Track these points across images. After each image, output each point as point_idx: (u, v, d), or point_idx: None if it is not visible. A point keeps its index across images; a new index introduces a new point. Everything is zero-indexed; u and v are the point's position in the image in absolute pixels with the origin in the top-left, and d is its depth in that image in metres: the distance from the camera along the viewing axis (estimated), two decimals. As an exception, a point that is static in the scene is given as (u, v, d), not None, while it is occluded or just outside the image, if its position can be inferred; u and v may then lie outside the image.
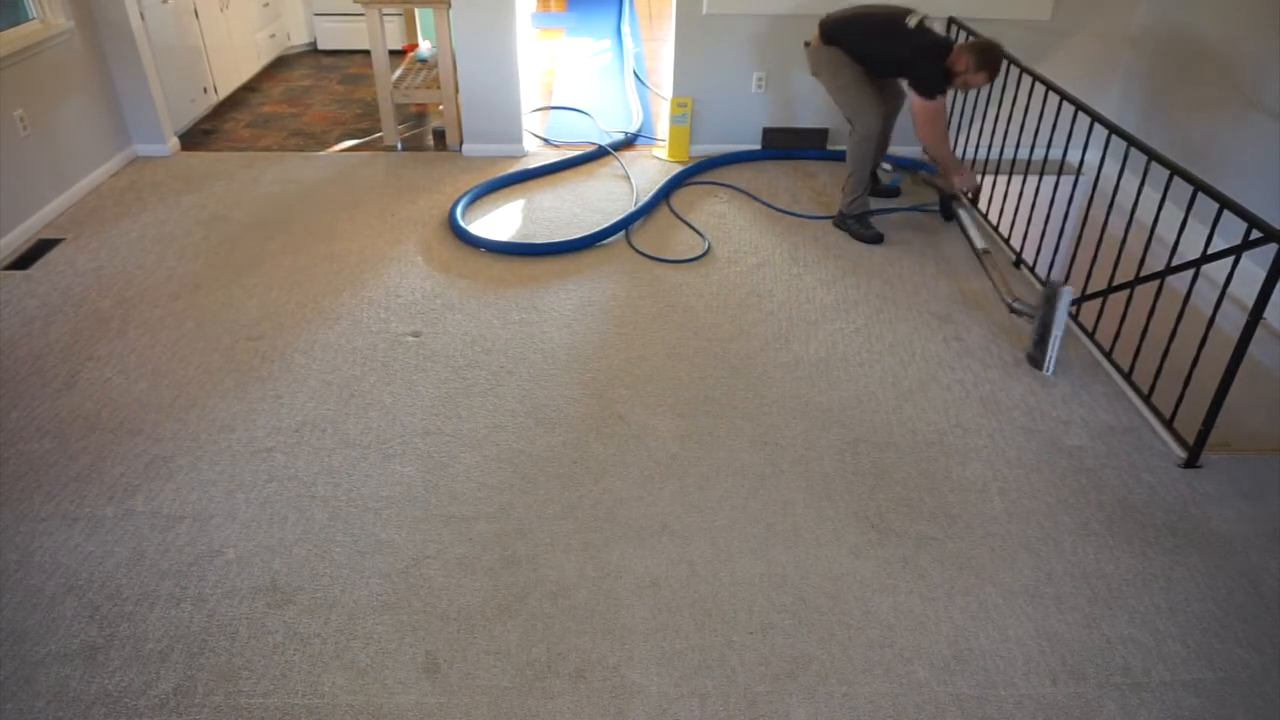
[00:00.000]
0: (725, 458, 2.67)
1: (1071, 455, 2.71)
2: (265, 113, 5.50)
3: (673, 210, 4.22)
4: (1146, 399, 2.91)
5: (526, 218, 4.15)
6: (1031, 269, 3.71)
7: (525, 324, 3.32)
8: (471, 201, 4.24)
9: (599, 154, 4.85)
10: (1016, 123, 3.92)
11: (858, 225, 3.95)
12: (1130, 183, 3.15)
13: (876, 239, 3.92)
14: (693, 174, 4.59)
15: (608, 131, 5.19)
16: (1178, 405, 2.77)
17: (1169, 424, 2.80)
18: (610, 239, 3.95)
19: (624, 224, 3.99)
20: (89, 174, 4.34)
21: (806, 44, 3.90)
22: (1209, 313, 2.66)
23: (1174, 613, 2.21)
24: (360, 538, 2.37)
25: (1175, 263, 2.82)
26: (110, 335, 3.21)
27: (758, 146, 4.85)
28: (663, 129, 5.17)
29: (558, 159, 4.76)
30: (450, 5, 4.49)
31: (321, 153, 4.88)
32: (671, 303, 3.46)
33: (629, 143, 5.07)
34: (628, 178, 4.58)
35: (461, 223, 3.97)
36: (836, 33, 3.81)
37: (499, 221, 4.10)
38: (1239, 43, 3.90)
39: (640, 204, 4.14)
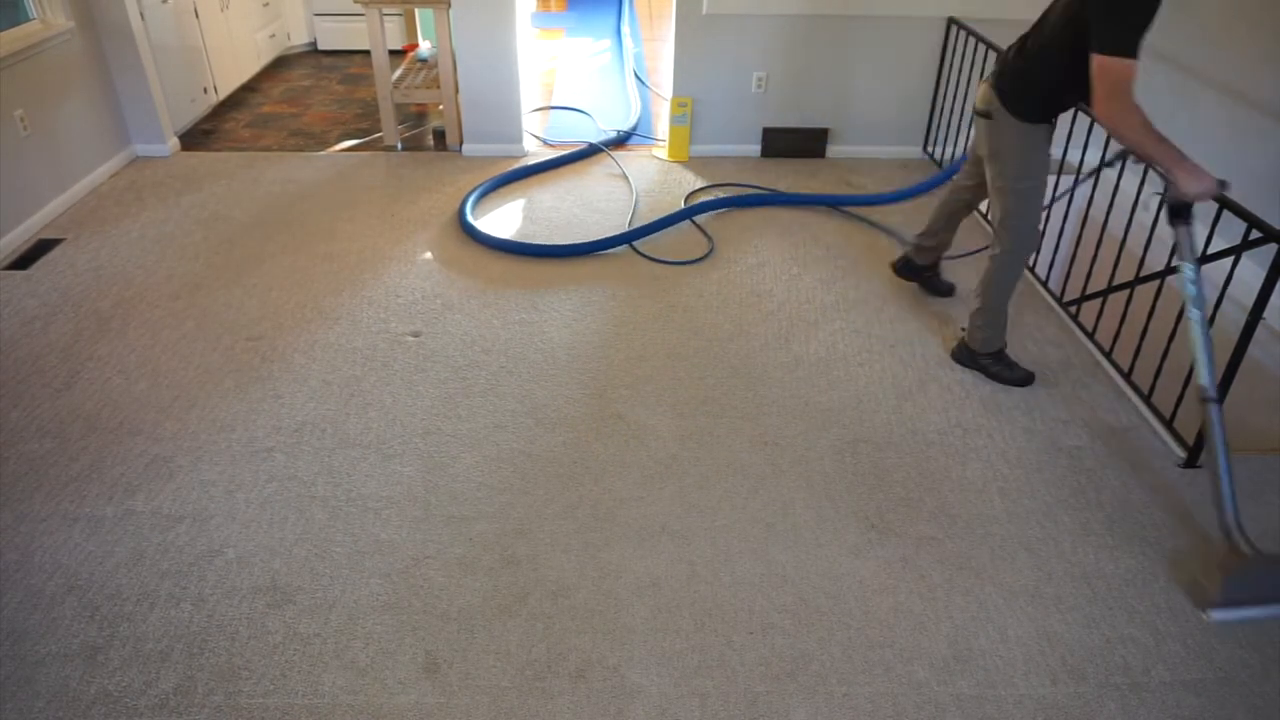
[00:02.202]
0: (725, 458, 2.67)
1: (1071, 455, 2.71)
2: (265, 113, 5.50)
3: (691, 219, 4.22)
4: (1146, 399, 2.91)
5: (527, 218, 4.15)
6: (1031, 269, 3.71)
7: (525, 324, 3.32)
8: (479, 200, 4.23)
9: (590, 151, 4.86)
10: (1016, 123, 3.92)
11: (997, 365, 3.02)
12: (1130, 183, 3.14)
13: (1027, 379, 3.00)
14: (719, 206, 4.23)
15: (605, 130, 5.20)
16: (1178, 405, 2.77)
17: (1169, 424, 2.80)
18: (615, 248, 3.95)
19: (643, 232, 3.91)
20: (89, 174, 4.34)
21: (978, 113, 2.82)
22: (1209, 313, 2.66)
23: (1174, 613, 2.21)
24: (360, 538, 2.37)
25: (1175, 263, 2.81)
26: (110, 335, 3.21)
27: (757, 148, 4.84)
28: (663, 129, 5.17)
29: (552, 156, 4.77)
30: (450, 5, 4.50)
31: (321, 153, 4.88)
32: (671, 303, 3.46)
33: (622, 140, 5.07)
34: (625, 177, 4.58)
35: (475, 223, 3.95)
36: (1030, 72, 2.63)
37: (499, 221, 4.10)
38: (1239, 43, 3.90)
39: (665, 216, 4.01)
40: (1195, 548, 2.40)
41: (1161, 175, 2.48)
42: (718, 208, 4.21)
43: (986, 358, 3.02)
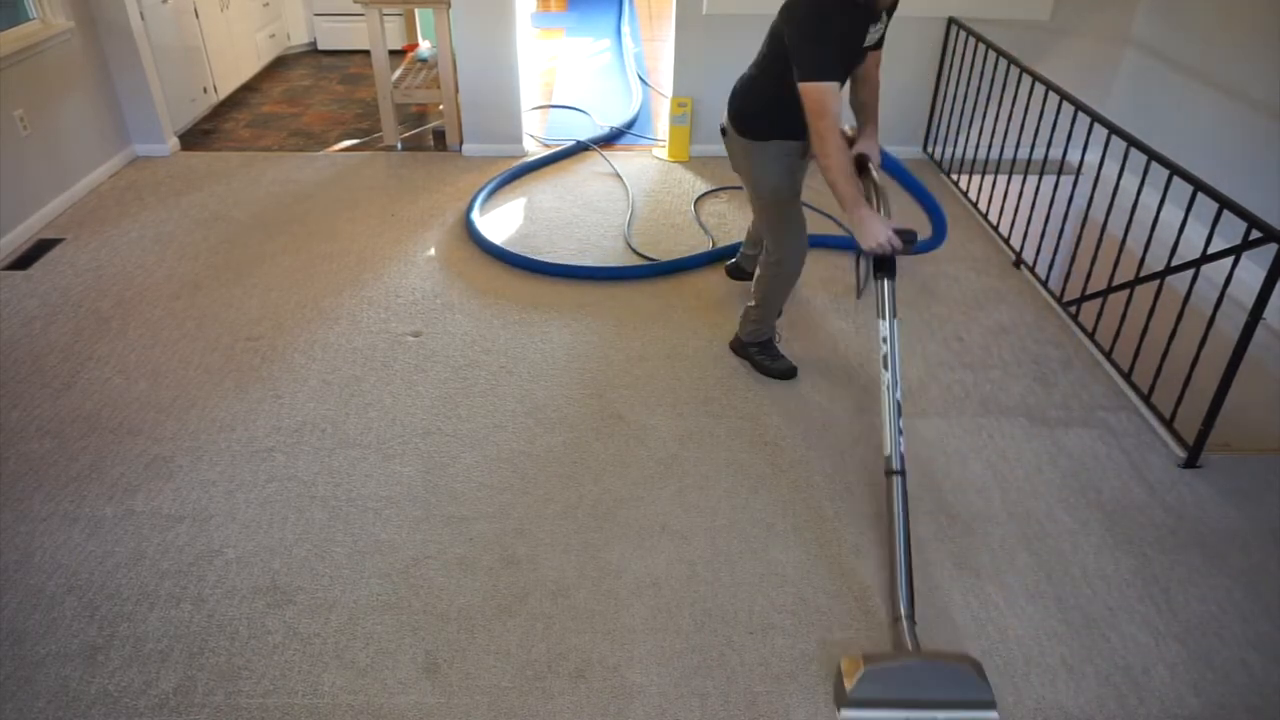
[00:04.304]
0: (725, 458, 2.67)
1: (1071, 455, 2.71)
2: (265, 113, 5.50)
3: (697, 220, 4.23)
4: (1146, 399, 2.91)
5: (528, 218, 4.14)
6: (1031, 269, 3.71)
7: (525, 323, 3.32)
8: (483, 204, 4.22)
9: (578, 148, 4.87)
10: (1016, 123, 3.92)
11: (762, 354, 3.04)
12: (1130, 183, 3.15)
13: (789, 373, 3.00)
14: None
15: (601, 127, 5.21)
16: (1178, 405, 2.77)
17: (1169, 424, 2.80)
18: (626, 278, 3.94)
19: (689, 263, 3.69)
20: (89, 174, 4.34)
21: (721, 130, 2.81)
22: (1209, 313, 2.66)
23: (1174, 613, 2.21)
24: (360, 538, 2.37)
25: (1175, 263, 2.82)
26: (110, 335, 3.20)
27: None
28: (663, 129, 5.17)
29: (544, 154, 4.78)
30: (450, 5, 4.50)
31: (321, 153, 4.88)
32: (671, 302, 3.46)
33: (618, 135, 5.08)
34: (618, 175, 4.58)
35: (485, 235, 3.87)
36: (758, 87, 2.64)
37: (499, 222, 4.10)
38: (1239, 43, 3.90)
39: (710, 250, 3.78)
40: (1196, 547, 2.40)
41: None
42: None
43: (753, 347, 3.05)
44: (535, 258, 3.71)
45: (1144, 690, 2.02)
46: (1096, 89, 4.64)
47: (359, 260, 3.74)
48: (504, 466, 2.63)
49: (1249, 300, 2.47)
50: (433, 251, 3.82)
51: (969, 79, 4.29)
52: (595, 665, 2.05)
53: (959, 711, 1.92)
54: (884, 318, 2.36)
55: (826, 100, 2.31)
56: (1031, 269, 3.71)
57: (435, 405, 2.87)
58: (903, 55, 4.64)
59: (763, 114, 2.63)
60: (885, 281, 2.36)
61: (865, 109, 2.75)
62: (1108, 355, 3.14)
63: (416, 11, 6.04)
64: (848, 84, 2.64)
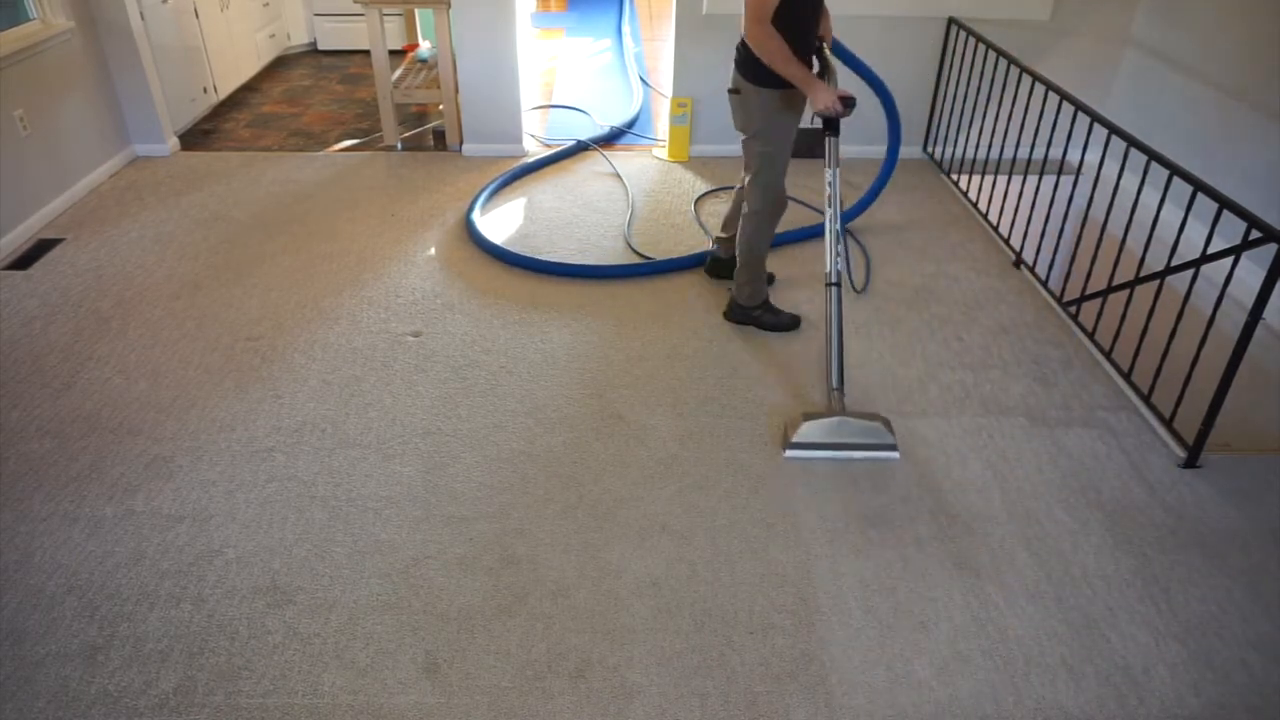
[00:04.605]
0: (725, 458, 2.67)
1: (1071, 455, 2.71)
2: (265, 113, 5.50)
3: (697, 220, 4.23)
4: (1146, 399, 2.91)
5: (528, 218, 4.14)
6: (1031, 269, 3.71)
7: (525, 323, 3.32)
8: (484, 205, 4.22)
9: (578, 148, 4.87)
10: (1016, 122, 3.92)
11: (766, 314, 3.28)
12: (1130, 183, 3.15)
13: (794, 322, 3.29)
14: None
15: (601, 126, 5.21)
16: (1178, 405, 2.77)
17: (1169, 424, 2.80)
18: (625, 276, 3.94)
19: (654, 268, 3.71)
20: (89, 174, 4.34)
21: (730, 92, 3.03)
22: (1209, 313, 2.66)
23: (1174, 613, 2.21)
24: (360, 538, 2.37)
25: (1175, 263, 2.82)
26: (110, 335, 3.20)
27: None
28: (663, 129, 5.17)
29: (544, 154, 4.78)
30: (450, 5, 4.49)
31: (321, 153, 4.88)
32: (671, 301, 3.46)
33: (618, 135, 5.07)
34: (618, 175, 4.58)
35: (484, 235, 3.87)
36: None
37: (500, 223, 4.10)
38: (1239, 43, 3.90)
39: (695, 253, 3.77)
40: (1196, 547, 2.40)
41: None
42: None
43: (756, 309, 3.28)
44: (534, 256, 3.71)
45: (1144, 690, 2.02)
46: (1096, 89, 4.64)
47: (359, 260, 3.74)
48: (504, 466, 2.63)
49: (1249, 300, 2.47)
50: (433, 251, 3.82)
51: (969, 79, 4.29)
52: (595, 665, 2.05)
53: (871, 451, 2.67)
54: (829, 166, 2.90)
55: (767, 6, 2.69)
56: (1031, 269, 3.71)
57: (435, 405, 2.87)
58: (903, 55, 4.65)
59: (762, 62, 2.83)
60: (832, 139, 2.90)
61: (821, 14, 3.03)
62: (1108, 355, 3.14)
63: (416, 11, 6.04)
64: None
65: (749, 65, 2.89)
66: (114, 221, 4.04)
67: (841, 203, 2.95)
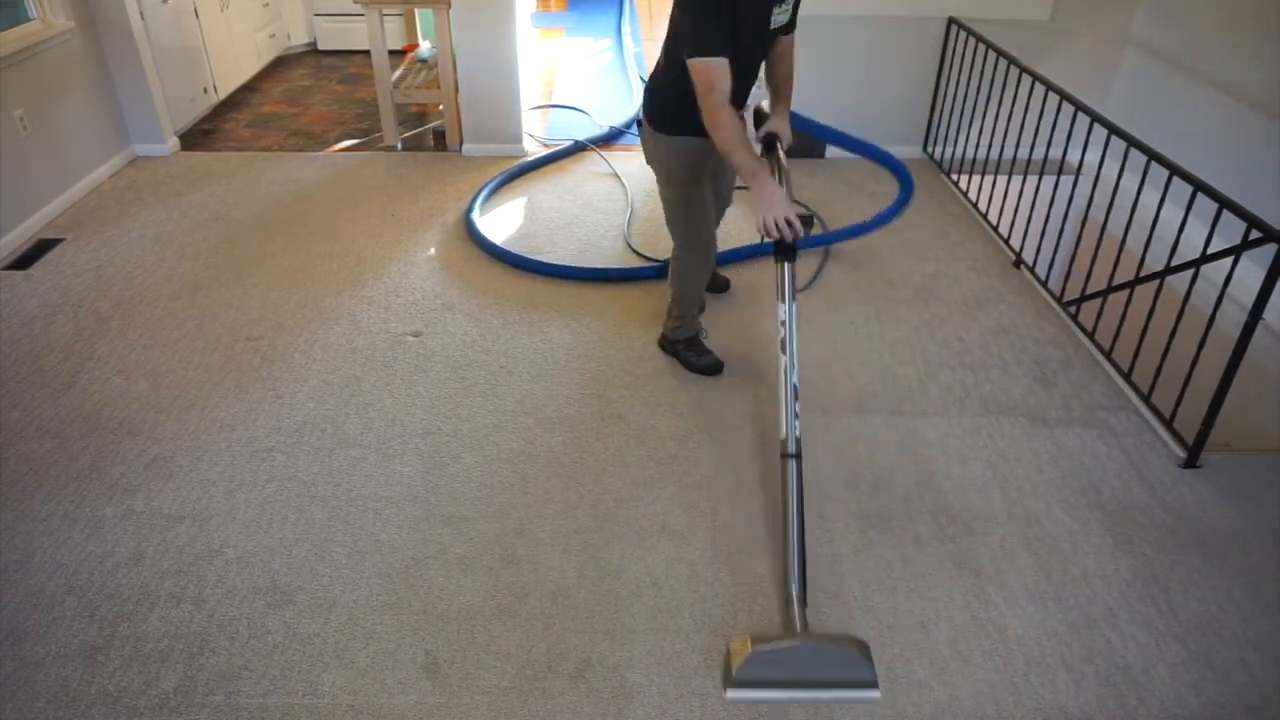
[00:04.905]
0: (725, 457, 2.67)
1: (1071, 455, 2.71)
2: (265, 113, 5.50)
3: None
4: (1146, 399, 2.91)
5: (528, 218, 4.14)
6: (1031, 269, 3.71)
7: (525, 323, 3.32)
8: (484, 205, 4.21)
9: (576, 148, 4.88)
10: (1016, 123, 3.92)
11: (688, 351, 3.05)
12: (1130, 183, 3.14)
13: (715, 368, 3.00)
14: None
15: (601, 126, 5.21)
16: (1178, 405, 2.77)
17: (1169, 424, 2.80)
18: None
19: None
20: (89, 174, 4.34)
21: (638, 122, 2.79)
22: (1209, 313, 2.66)
23: (1174, 613, 2.21)
24: (360, 538, 2.37)
25: (1175, 263, 2.82)
26: (110, 335, 3.20)
27: (756, 146, 4.83)
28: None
29: (542, 154, 4.79)
30: (450, 5, 4.50)
31: (321, 153, 4.88)
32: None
33: (612, 138, 5.07)
34: (617, 176, 4.58)
35: (484, 234, 3.86)
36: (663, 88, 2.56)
37: (500, 223, 4.10)
38: (1239, 43, 3.90)
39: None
40: (1196, 547, 2.40)
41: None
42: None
43: (679, 343, 3.06)
44: (532, 257, 3.71)
45: (1144, 690, 2.02)
46: (1096, 89, 4.64)
47: (359, 260, 3.74)
48: (504, 466, 2.63)
49: (1249, 300, 2.47)
50: (433, 251, 3.82)
51: (969, 79, 4.29)
52: (595, 665, 2.05)
53: (842, 691, 1.98)
54: (782, 300, 2.37)
55: (714, 76, 2.28)
56: (1031, 269, 3.71)
57: (435, 405, 2.87)
58: (903, 55, 4.65)
59: (672, 105, 2.52)
60: (785, 265, 2.37)
61: (778, 89, 2.74)
62: (1108, 355, 3.14)
63: (416, 11, 6.03)
64: (762, 68, 2.67)
65: (655, 104, 2.60)
66: (114, 221, 4.04)
67: (824, 224, 2.61)
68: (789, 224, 2.30)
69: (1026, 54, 4.24)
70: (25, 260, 3.70)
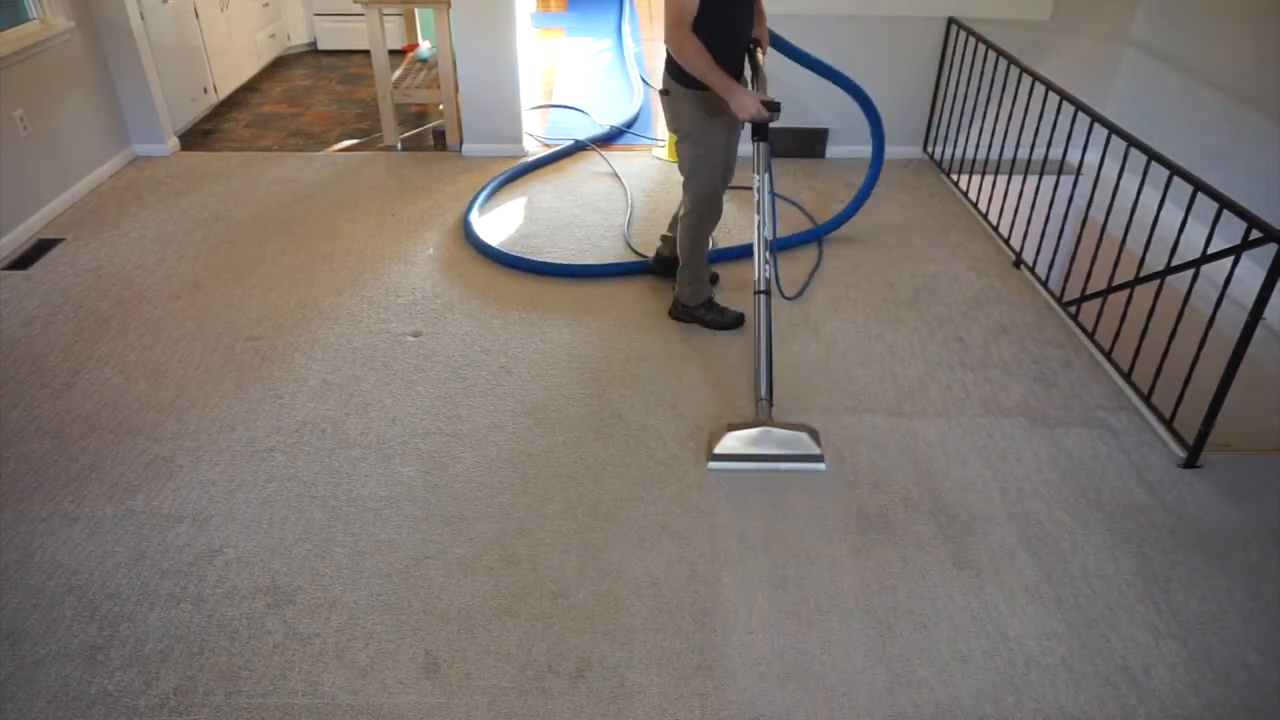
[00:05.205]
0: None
1: (1071, 455, 2.71)
2: (265, 113, 5.50)
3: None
4: (1146, 399, 2.91)
5: (528, 218, 4.15)
6: (1031, 269, 3.71)
7: (525, 323, 3.32)
8: (482, 206, 4.21)
9: (576, 148, 4.88)
10: (1016, 123, 3.92)
11: (709, 313, 3.27)
12: (1130, 183, 3.15)
13: (738, 321, 3.27)
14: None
15: (600, 126, 5.21)
16: (1178, 405, 2.77)
17: (1169, 424, 2.80)
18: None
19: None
20: (89, 174, 4.34)
21: (661, 93, 3.00)
22: (1209, 313, 2.66)
23: (1174, 613, 2.21)
24: (360, 538, 2.37)
25: (1175, 263, 2.82)
26: (110, 335, 3.20)
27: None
28: (662, 129, 5.17)
29: (542, 155, 4.79)
30: (450, 5, 4.49)
31: (321, 153, 4.88)
32: (671, 301, 3.45)
33: (612, 138, 5.08)
34: (617, 175, 4.58)
35: (486, 239, 3.86)
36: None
37: (500, 222, 4.10)
38: (1239, 43, 3.90)
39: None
40: (1196, 547, 2.40)
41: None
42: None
43: (699, 308, 3.27)
44: (525, 257, 3.72)
45: (1144, 690, 2.02)
46: (1096, 89, 4.64)
47: (359, 260, 3.74)
48: (504, 466, 2.63)
49: (1249, 300, 2.47)
50: (432, 251, 3.82)
51: (969, 79, 4.30)
52: (595, 665, 2.05)
53: (796, 463, 2.61)
54: (757, 172, 2.82)
55: (683, 9, 2.62)
56: (1031, 269, 3.71)
57: (435, 405, 2.87)
58: (903, 55, 4.65)
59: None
60: (761, 144, 2.80)
61: (758, 13, 2.96)
62: (1108, 355, 3.14)
63: (416, 11, 6.03)
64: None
65: (676, 67, 2.82)
66: (114, 221, 4.04)
67: (802, 214, 2.87)
68: (762, 109, 2.68)
69: (1026, 54, 4.25)
70: (25, 260, 3.70)
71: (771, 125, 2.79)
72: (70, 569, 2.26)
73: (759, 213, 2.81)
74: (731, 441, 2.61)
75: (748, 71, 2.95)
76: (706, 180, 2.99)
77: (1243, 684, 2.04)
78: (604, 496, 2.52)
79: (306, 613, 2.16)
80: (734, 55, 2.82)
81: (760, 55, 2.92)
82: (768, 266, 2.79)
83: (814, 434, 2.64)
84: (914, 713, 1.96)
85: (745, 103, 2.68)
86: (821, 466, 2.59)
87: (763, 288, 2.79)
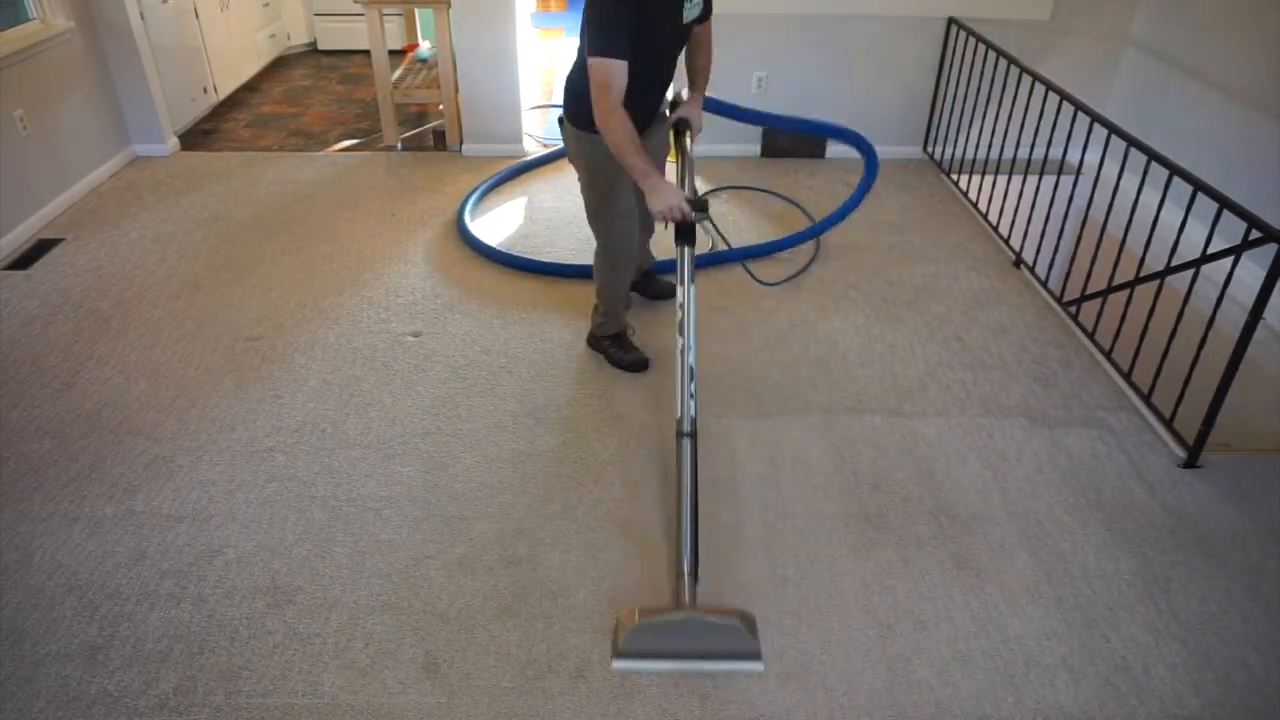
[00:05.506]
0: (725, 458, 2.67)
1: (1071, 455, 2.71)
2: (265, 113, 5.50)
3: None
4: (1146, 399, 2.91)
5: (528, 218, 4.15)
6: (1031, 269, 3.71)
7: (525, 323, 3.32)
8: (475, 207, 4.21)
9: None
10: (1016, 123, 3.92)
11: (613, 347, 3.07)
12: (1130, 183, 3.15)
13: (638, 365, 3.03)
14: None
15: None
16: (1178, 405, 2.77)
17: (1169, 424, 2.80)
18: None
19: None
20: (89, 174, 4.34)
21: (560, 121, 2.75)
22: (1209, 313, 2.66)
23: (1174, 613, 2.21)
24: (360, 538, 2.37)
25: (1175, 263, 2.82)
26: (110, 335, 3.20)
27: (757, 148, 4.84)
28: (663, 129, 5.16)
29: (540, 155, 4.79)
30: (450, 5, 4.50)
31: (321, 153, 4.88)
32: (670, 303, 3.45)
33: None
34: None
35: (478, 236, 3.87)
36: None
37: (500, 222, 4.10)
38: (1239, 43, 3.90)
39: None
40: (1196, 547, 2.40)
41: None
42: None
43: (605, 340, 3.08)
44: (520, 255, 3.73)
45: (1144, 690, 2.02)
46: (1096, 89, 4.64)
47: (359, 260, 3.74)
48: (504, 466, 2.63)
49: (1249, 300, 2.47)
50: (432, 251, 3.82)
51: (969, 79, 4.30)
52: (595, 665, 2.04)
53: (726, 662, 2.03)
54: (681, 284, 2.41)
55: (610, 77, 2.31)
56: (1031, 269, 3.71)
57: (435, 405, 2.87)
58: (903, 55, 4.65)
59: (586, 102, 2.45)
60: (684, 249, 2.42)
61: (696, 73, 2.77)
62: (1108, 355, 3.14)
63: (416, 11, 6.03)
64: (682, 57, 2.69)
65: (570, 106, 2.60)
66: (114, 221, 4.04)
67: (720, 234, 2.59)
68: (681, 211, 2.37)
69: (1026, 54, 4.25)
70: (25, 260, 3.70)
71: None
72: (70, 569, 2.26)
73: (681, 335, 2.36)
74: (643, 634, 2.04)
75: (674, 137, 2.73)
76: (611, 228, 2.76)
77: (1243, 684, 2.04)
78: (604, 496, 2.52)
79: (306, 613, 2.16)
80: (646, 108, 2.55)
81: (689, 139, 2.62)
82: (692, 401, 2.31)
83: (749, 622, 2.07)
84: (914, 713, 1.96)
85: (665, 197, 2.34)
86: (759, 666, 2.03)
87: (687, 429, 2.28)
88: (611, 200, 2.70)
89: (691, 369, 2.34)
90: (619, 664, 2.03)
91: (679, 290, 2.41)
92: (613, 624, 2.12)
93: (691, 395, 2.32)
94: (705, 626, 2.05)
